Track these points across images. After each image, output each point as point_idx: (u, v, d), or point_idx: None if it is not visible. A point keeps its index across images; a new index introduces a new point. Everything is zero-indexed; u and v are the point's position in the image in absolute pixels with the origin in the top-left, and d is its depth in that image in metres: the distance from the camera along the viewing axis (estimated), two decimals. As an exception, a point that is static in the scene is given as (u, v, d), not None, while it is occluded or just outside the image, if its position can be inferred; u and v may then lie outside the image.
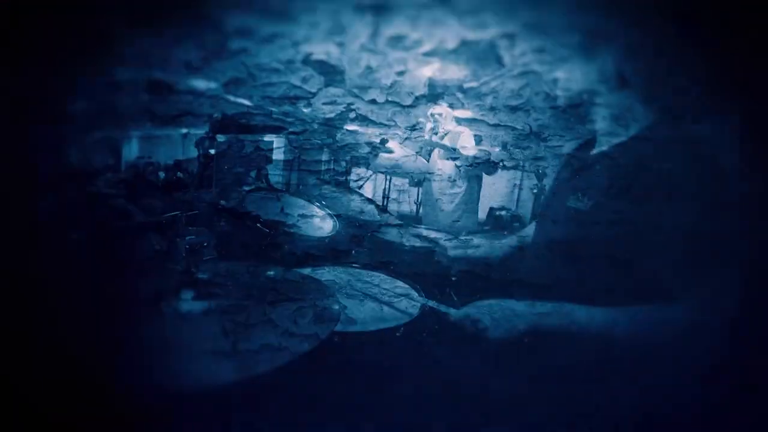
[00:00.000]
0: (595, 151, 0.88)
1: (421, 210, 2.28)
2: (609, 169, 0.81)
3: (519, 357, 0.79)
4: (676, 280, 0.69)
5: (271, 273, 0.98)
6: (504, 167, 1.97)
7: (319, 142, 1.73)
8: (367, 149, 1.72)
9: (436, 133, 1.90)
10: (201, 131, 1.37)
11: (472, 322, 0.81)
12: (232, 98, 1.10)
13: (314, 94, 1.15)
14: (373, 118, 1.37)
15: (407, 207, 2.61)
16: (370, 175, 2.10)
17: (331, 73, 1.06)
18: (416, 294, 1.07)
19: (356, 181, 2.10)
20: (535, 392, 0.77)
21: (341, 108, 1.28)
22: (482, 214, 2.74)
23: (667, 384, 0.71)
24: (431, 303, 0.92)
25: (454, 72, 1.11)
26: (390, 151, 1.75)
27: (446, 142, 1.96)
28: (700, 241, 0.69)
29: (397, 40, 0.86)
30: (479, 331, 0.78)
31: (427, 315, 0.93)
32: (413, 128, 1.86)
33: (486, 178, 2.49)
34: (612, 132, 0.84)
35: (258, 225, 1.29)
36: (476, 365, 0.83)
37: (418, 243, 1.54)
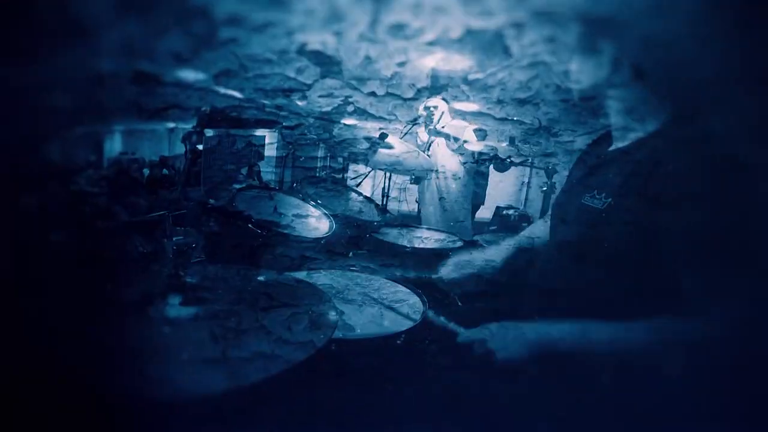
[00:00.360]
0: (612, 147, 0.88)
1: (422, 210, 2.28)
2: (623, 167, 0.81)
3: (527, 367, 0.79)
4: (698, 287, 0.69)
5: (264, 277, 0.98)
6: (512, 164, 1.98)
7: (315, 137, 1.73)
8: (365, 145, 1.73)
9: (430, 123, 1.90)
10: (189, 125, 1.37)
11: (481, 344, 0.80)
12: (222, 90, 1.10)
13: (310, 87, 1.16)
14: (373, 111, 1.37)
15: (408, 206, 2.61)
16: (369, 172, 2.10)
17: (327, 63, 1.06)
18: (419, 301, 1.07)
19: (354, 178, 2.11)
20: (544, 405, 0.78)
21: (338, 101, 1.29)
22: (488, 214, 2.75)
23: (688, 409, 0.71)
24: (441, 320, 0.91)
25: (459, 62, 1.11)
26: (390, 147, 1.76)
27: (450, 133, 1.97)
28: (721, 245, 0.69)
29: (397, 29, 0.86)
30: (488, 353, 0.78)
31: (429, 322, 0.93)
32: (414, 122, 1.86)
33: (492, 176, 2.49)
34: (626, 127, 0.84)
35: (249, 225, 1.29)
36: (482, 376, 0.83)
37: (420, 245, 1.54)
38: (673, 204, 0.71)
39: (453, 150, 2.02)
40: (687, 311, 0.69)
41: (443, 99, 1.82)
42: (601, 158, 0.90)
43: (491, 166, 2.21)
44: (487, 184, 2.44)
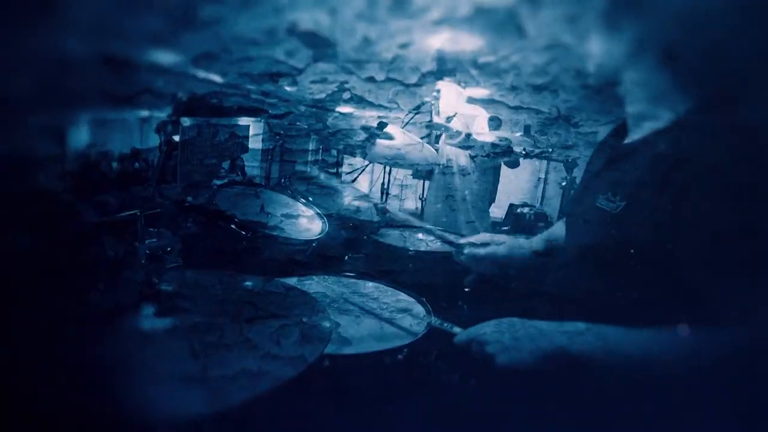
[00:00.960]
0: (629, 140, 0.88)
1: (426, 209, 2.29)
2: (641, 161, 0.81)
3: (542, 386, 0.79)
4: (728, 293, 0.69)
5: (249, 284, 0.98)
6: (526, 156, 1.98)
7: (306, 127, 1.73)
8: (363, 135, 1.73)
9: (437, 115, 1.90)
10: (164, 114, 1.37)
11: (479, 345, 0.79)
12: (202, 74, 1.10)
13: (301, 71, 1.15)
14: (371, 98, 1.37)
15: (412, 205, 2.61)
16: (366, 167, 2.11)
17: (320, 45, 1.06)
18: (422, 309, 1.07)
19: (350, 173, 2.11)
20: (560, 420, 0.78)
21: (333, 87, 1.29)
22: (500, 213, 2.76)
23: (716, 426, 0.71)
24: (433, 320, 0.92)
25: (468, 44, 1.11)
26: (390, 138, 1.76)
27: (457, 126, 1.97)
28: (754, 248, 0.69)
29: (399, 6, 0.86)
30: (486, 357, 0.78)
31: (434, 334, 0.94)
32: (418, 110, 1.87)
33: (504, 170, 2.50)
34: (650, 116, 0.84)
35: (232, 226, 1.29)
36: (492, 394, 0.83)
37: (425, 248, 1.54)
38: (699, 203, 0.71)
39: (465, 146, 2.02)
40: (715, 320, 0.69)
41: (458, 84, 1.82)
42: (618, 151, 0.90)
43: (502, 161, 2.22)
44: (498, 180, 2.44)
